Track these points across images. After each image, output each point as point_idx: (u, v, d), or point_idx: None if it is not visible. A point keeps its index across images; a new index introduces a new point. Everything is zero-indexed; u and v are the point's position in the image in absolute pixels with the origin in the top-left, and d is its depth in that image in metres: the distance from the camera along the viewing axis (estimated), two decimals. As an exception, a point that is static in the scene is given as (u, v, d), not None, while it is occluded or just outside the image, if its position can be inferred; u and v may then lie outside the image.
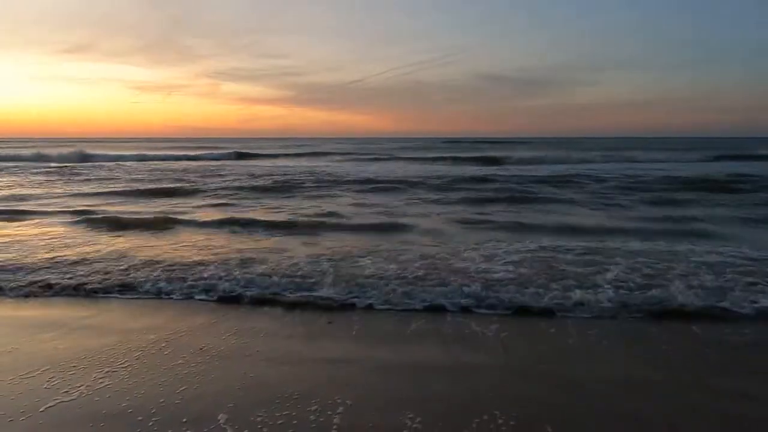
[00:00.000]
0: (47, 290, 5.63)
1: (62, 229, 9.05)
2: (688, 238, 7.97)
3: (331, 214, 10.81)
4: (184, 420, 3.07)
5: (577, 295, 5.23)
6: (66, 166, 25.47)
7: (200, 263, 6.53)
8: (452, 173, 21.14)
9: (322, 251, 7.25)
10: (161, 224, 9.41)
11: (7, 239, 8.06)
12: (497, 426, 3.01)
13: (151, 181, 18.71)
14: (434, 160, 32.59)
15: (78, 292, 5.60)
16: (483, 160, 30.51)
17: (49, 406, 3.22)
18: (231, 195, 14.33)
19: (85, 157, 32.37)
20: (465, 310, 5.03)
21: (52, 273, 6.15)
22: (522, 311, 4.98)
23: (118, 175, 21.38)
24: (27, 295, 5.54)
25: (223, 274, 6.00)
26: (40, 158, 31.64)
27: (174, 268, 6.31)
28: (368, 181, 17.66)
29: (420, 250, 7.24)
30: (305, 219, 10.05)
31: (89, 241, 7.98)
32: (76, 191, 15.25)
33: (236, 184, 17.04)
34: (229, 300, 5.38)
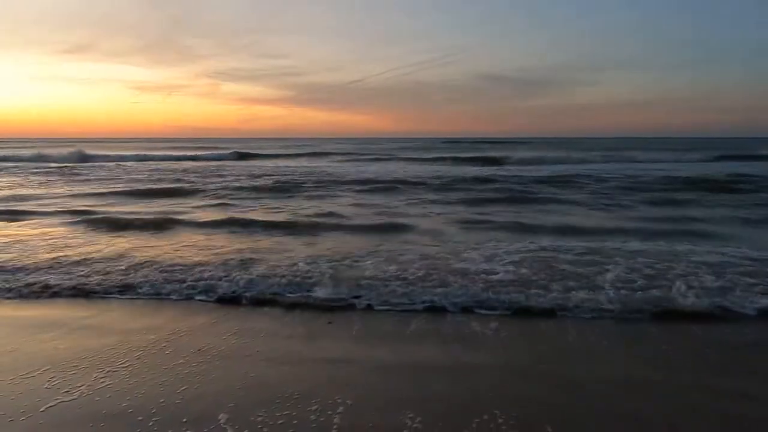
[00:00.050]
0: (47, 290, 5.63)
1: (62, 229, 9.05)
2: (689, 238, 7.97)
3: (331, 214, 10.81)
4: (185, 420, 3.08)
5: (577, 295, 5.23)
6: (66, 167, 25.48)
7: (200, 263, 6.53)
8: (452, 173, 21.14)
9: (322, 251, 7.25)
10: (161, 224, 9.40)
11: (7, 239, 8.06)
12: (497, 426, 3.02)
13: (151, 181, 18.71)
14: (434, 160, 32.62)
15: (78, 292, 5.60)
16: (483, 160, 30.49)
17: (50, 406, 3.23)
18: (231, 195, 14.33)
19: (84, 158, 32.36)
20: (465, 310, 5.03)
21: (53, 273, 6.15)
22: (522, 311, 4.98)
23: (118, 175, 21.39)
24: (27, 296, 5.54)
25: (223, 274, 6.00)
26: (40, 158, 31.63)
27: (174, 268, 6.31)
28: (368, 181, 17.66)
29: (420, 251, 7.24)
30: (305, 219, 10.05)
31: (89, 242, 7.98)
32: (76, 191, 15.24)
33: (236, 184, 17.04)
34: (229, 300, 5.38)
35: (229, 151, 40.61)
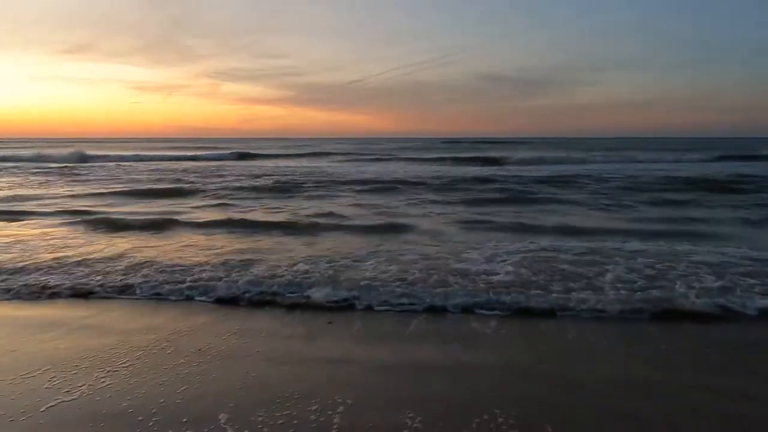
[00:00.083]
0: (47, 290, 5.63)
1: (62, 229, 9.05)
2: (689, 238, 7.97)
3: (331, 214, 10.81)
4: (185, 420, 3.08)
5: (578, 295, 5.23)
6: (66, 167, 25.48)
7: (200, 264, 6.53)
8: (452, 173, 21.15)
9: (322, 252, 7.26)
10: (161, 225, 9.40)
11: (7, 240, 8.06)
12: (497, 426, 3.02)
13: (151, 181, 18.71)
14: (434, 160, 32.61)
15: (78, 292, 5.60)
16: (483, 160, 30.49)
17: (50, 406, 3.23)
18: (231, 195, 14.34)
19: (84, 158, 32.34)
20: (465, 310, 5.03)
21: (53, 273, 6.15)
22: (522, 311, 4.98)
23: (117, 175, 21.39)
24: (27, 296, 5.54)
25: (223, 274, 6.00)
26: (39, 158, 31.63)
27: (174, 268, 6.31)
28: (368, 181, 17.66)
29: (420, 251, 7.24)
30: (305, 219, 10.05)
31: (89, 242, 7.98)
32: (76, 192, 15.24)
33: (236, 184, 17.04)
34: (229, 301, 5.38)
35: (229, 151, 40.60)
